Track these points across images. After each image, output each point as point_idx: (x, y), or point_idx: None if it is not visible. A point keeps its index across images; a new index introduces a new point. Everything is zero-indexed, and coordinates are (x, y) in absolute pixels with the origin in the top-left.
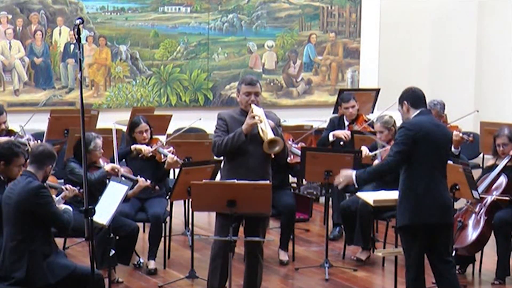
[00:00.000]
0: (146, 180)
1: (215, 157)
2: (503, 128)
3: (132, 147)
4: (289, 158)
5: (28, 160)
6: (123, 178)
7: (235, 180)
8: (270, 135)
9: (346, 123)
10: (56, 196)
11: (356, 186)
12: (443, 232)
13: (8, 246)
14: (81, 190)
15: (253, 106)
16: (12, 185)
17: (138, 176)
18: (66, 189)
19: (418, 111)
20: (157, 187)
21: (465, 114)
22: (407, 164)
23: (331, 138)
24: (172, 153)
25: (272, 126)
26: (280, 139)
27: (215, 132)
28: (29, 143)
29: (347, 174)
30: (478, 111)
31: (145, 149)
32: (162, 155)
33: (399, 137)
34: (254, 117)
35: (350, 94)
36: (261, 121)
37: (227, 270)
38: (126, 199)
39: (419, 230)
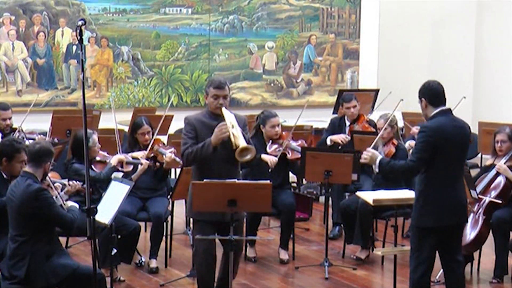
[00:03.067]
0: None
1: None
2: (505, 126)
3: (129, 155)
4: (288, 155)
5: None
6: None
7: (235, 180)
8: (242, 142)
9: (347, 123)
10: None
11: (377, 171)
12: (458, 232)
13: (11, 247)
14: (84, 185)
15: (223, 110)
16: (13, 186)
17: (143, 160)
18: (69, 184)
19: (437, 110)
20: (157, 164)
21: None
22: (427, 165)
23: (328, 142)
24: (174, 154)
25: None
26: (253, 148)
27: (183, 138)
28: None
29: (374, 156)
30: (465, 97)
31: (141, 156)
32: (163, 156)
33: (420, 143)
34: (222, 130)
35: (351, 94)
36: (232, 126)
37: (214, 269)
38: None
39: (436, 231)
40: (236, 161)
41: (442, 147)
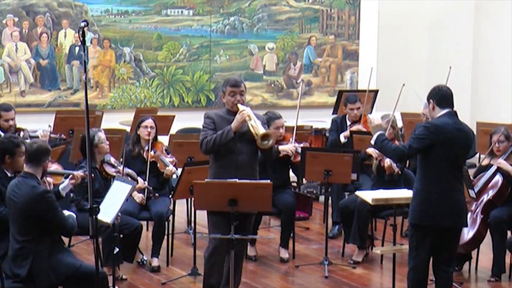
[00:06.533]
0: (146, 183)
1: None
2: (500, 127)
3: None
4: (292, 157)
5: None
6: (128, 178)
7: (236, 179)
8: (261, 130)
9: (348, 123)
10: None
11: (372, 142)
12: (453, 237)
13: (14, 247)
14: (86, 172)
15: (239, 105)
16: (14, 187)
17: (139, 178)
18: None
19: (443, 112)
20: (156, 194)
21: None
22: (425, 164)
23: (342, 139)
24: (174, 165)
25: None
26: (272, 132)
27: (202, 130)
28: (40, 135)
29: (377, 126)
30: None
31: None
32: (164, 164)
33: (419, 135)
34: (244, 114)
35: (356, 95)
36: (250, 118)
37: (223, 267)
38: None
39: (431, 231)
40: (255, 155)
41: (441, 146)
